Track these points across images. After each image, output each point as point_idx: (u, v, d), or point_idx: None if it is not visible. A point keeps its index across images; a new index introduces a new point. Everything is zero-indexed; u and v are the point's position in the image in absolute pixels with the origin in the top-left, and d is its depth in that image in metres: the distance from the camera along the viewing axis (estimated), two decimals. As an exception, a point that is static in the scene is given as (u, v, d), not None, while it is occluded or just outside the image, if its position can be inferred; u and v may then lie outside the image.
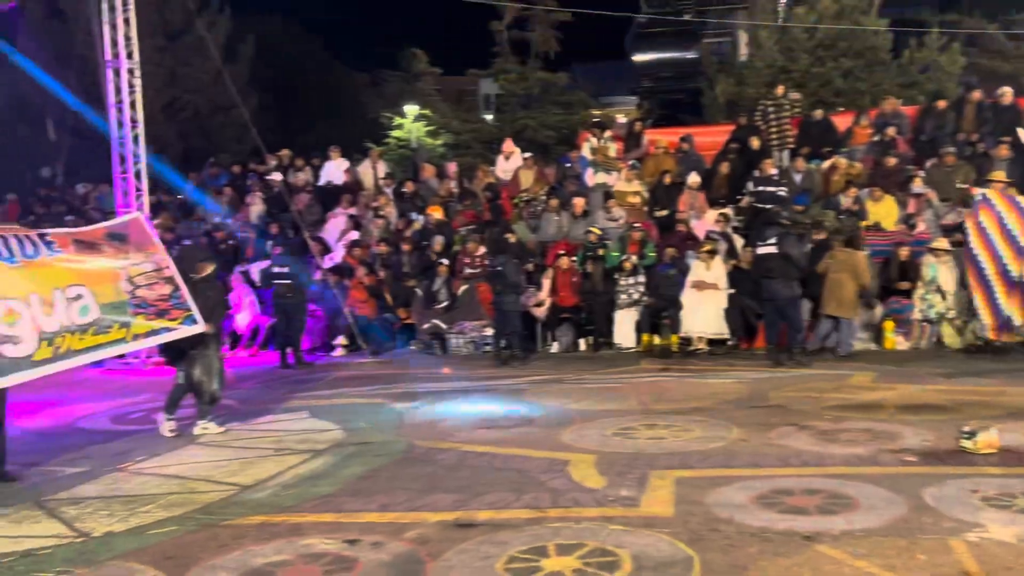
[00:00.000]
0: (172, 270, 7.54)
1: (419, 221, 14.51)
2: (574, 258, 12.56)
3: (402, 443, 7.32)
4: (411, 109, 27.49)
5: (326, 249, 14.66)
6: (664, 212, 13.45)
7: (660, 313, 11.85)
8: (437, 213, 14.23)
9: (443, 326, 12.70)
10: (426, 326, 12.83)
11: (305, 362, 12.14)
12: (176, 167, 19.35)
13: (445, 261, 13.08)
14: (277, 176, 16.23)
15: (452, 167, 15.98)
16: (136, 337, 7.10)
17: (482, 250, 13.03)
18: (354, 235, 14.71)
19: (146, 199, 13.47)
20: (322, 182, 16.88)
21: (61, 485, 6.43)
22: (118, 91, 13.22)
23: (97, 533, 5.36)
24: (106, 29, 12.88)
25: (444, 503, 5.61)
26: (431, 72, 24.82)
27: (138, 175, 13.30)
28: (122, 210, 12.70)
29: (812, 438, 6.94)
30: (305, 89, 31.88)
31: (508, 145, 16.09)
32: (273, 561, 4.75)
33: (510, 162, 15.56)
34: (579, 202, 13.63)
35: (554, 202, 13.73)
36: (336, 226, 15.40)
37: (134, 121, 13.34)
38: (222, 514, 5.62)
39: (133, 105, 13.22)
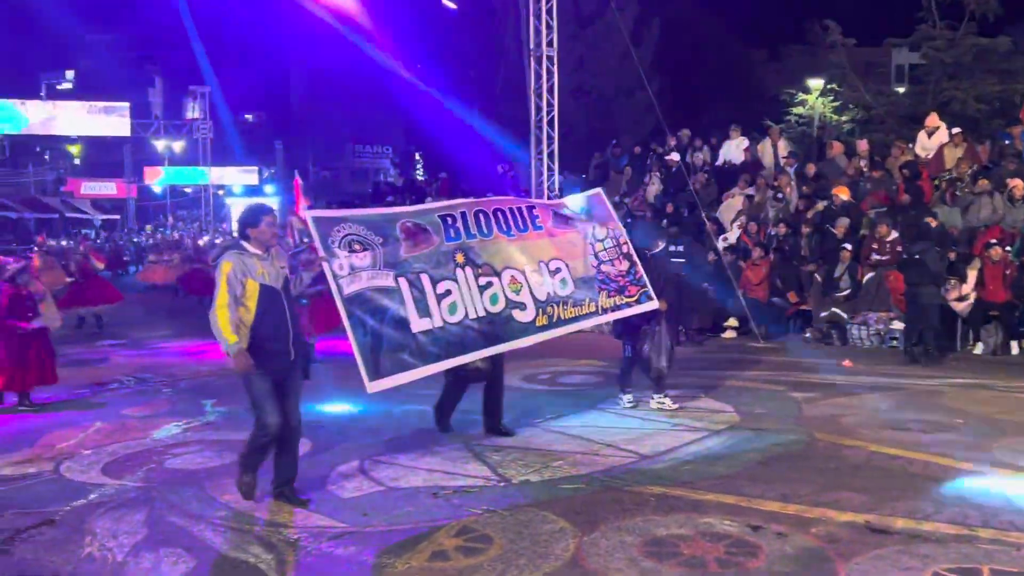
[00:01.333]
0: (629, 246, 7.65)
1: (821, 202, 13.76)
2: (1008, 248, 11.01)
3: (801, 434, 7.03)
4: (815, 84, 26.04)
5: (721, 229, 14.55)
6: None
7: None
8: (843, 194, 13.34)
9: (844, 315, 11.94)
10: (824, 314, 12.16)
11: (695, 341, 12.21)
12: (581, 148, 20.55)
13: (849, 246, 12.25)
14: (675, 156, 16.45)
15: (863, 144, 14.83)
16: (604, 310, 7.33)
17: (894, 235, 11.97)
18: (751, 214, 14.41)
19: (557, 178, 14.47)
20: (719, 162, 16.78)
21: (485, 432, 7.17)
22: (537, 78, 14.32)
23: (516, 480, 5.90)
24: (532, 21, 13.99)
25: (852, 503, 5.27)
26: (844, 43, 23.12)
27: (551, 155, 14.33)
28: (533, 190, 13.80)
29: None
30: (705, 68, 31.78)
31: (933, 119, 14.49)
32: (675, 534, 4.84)
33: (933, 138, 14.05)
34: (1019, 184, 11.87)
35: (984, 182, 12.14)
36: (732, 206, 15.21)
37: (550, 105, 14.36)
38: (624, 479, 5.86)
39: (551, 90, 14.24)
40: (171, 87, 57.66)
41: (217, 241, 25.63)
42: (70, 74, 57.37)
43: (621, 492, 5.59)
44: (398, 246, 6.23)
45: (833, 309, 12.03)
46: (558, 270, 7.10)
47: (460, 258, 6.55)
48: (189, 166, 45.81)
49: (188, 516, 5.27)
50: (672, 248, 12.45)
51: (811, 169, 14.68)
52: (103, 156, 55.00)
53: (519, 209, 7.18)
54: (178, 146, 47.65)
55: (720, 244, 13.70)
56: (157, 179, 50.92)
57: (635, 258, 7.63)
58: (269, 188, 53.44)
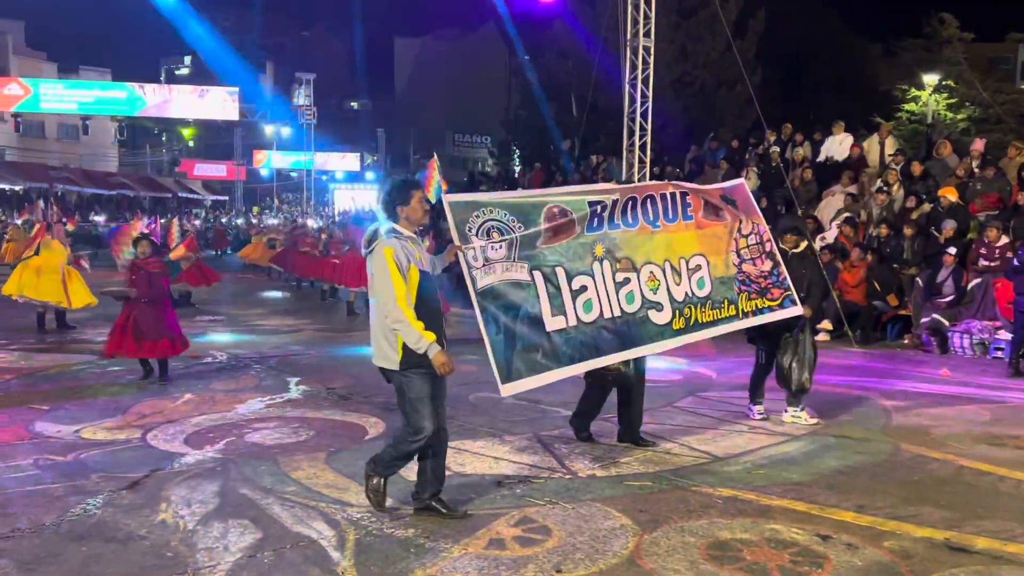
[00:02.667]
0: (773, 244, 7.03)
1: (927, 203, 13.13)
2: None
3: (887, 444, 6.72)
4: (930, 80, 24.87)
5: (819, 227, 14.06)
6: None
7: None
8: (951, 195, 12.69)
9: (945, 322, 11.38)
10: (925, 320, 11.61)
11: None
12: (679, 141, 20.20)
13: (953, 250, 11.65)
14: (775, 151, 15.97)
15: (979, 144, 14.01)
16: (745, 315, 6.71)
17: (1004, 240, 11.33)
18: (849, 214, 13.87)
19: (648, 170, 14.25)
20: (821, 158, 16.21)
21: (556, 424, 7.13)
22: (632, 68, 14.12)
23: (582, 474, 5.85)
24: (628, 10, 13.79)
25: (932, 519, 5.01)
26: (961, 38, 21.96)
27: (643, 147, 14.12)
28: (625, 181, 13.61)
29: None
30: (813, 62, 30.75)
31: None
32: (739, 538, 4.70)
33: (1057, 137, 13.19)
34: None
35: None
36: (832, 204, 14.68)
37: (644, 96, 14.14)
38: (692, 480, 5.73)
39: (645, 81, 14.02)
40: (282, 73, 59.61)
41: (310, 224, 26.20)
42: (188, 59, 59.99)
43: (688, 492, 5.47)
44: (537, 235, 5.67)
45: (934, 315, 11.48)
46: (697, 268, 6.50)
47: (599, 250, 5.97)
48: (295, 151, 47.28)
49: (259, 489, 5.42)
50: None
51: (916, 169, 13.99)
52: (216, 139, 57.38)
53: (673, 195, 6.54)
54: (286, 131, 49.27)
55: (817, 243, 13.23)
56: (263, 162, 52.77)
57: (779, 258, 6.99)
58: (370, 175, 54.69)
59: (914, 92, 25.25)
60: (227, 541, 4.58)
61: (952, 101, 23.72)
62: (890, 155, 15.04)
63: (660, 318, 6.18)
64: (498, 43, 60.74)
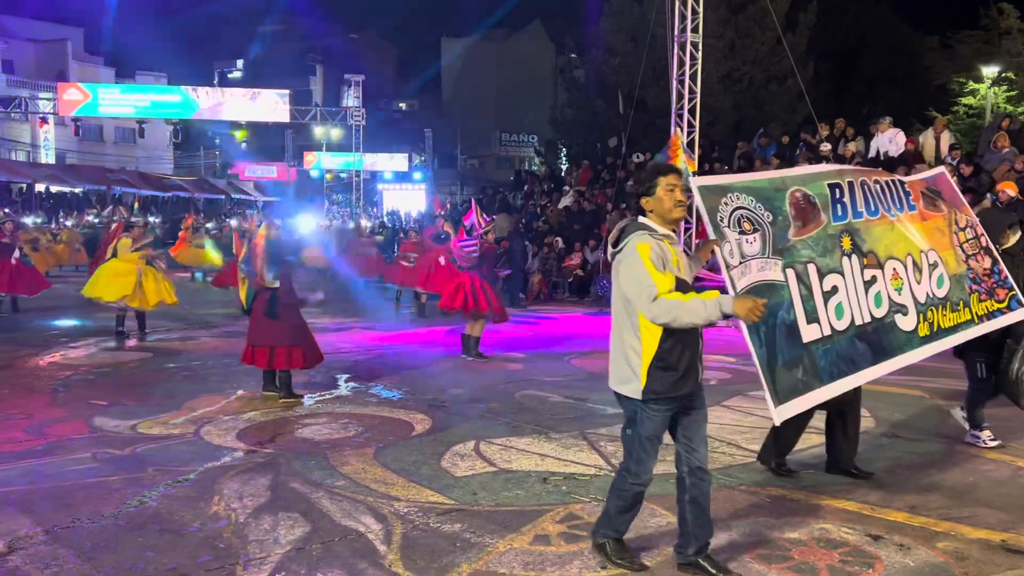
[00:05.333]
0: (987, 238, 6.26)
1: (986, 199, 12.78)
2: None
3: (940, 444, 6.59)
4: (989, 72, 24.22)
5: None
6: None
7: None
8: (1011, 189, 12.32)
9: (1005, 320, 11.06)
10: (983, 318, 11.30)
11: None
12: (727, 137, 19.99)
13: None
14: (826, 146, 15.72)
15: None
16: (980, 319, 5.89)
17: (1067, 236, 10.96)
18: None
19: (695, 168, 14.12)
20: (871, 153, 15.90)
21: (602, 422, 7.13)
22: (680, 64, 14.03)
23: (627, 471, 5.83)
24: (676, 5, 13.70)
25: (987, 520, 4.90)
26: (1021, 28, 21.36)
27: (691, 144, 14.01)
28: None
29: None
30: (866, 55, 30.15)
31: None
32: (788, 537, 4.65)
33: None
34: None
35: None
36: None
37: (692, 92, 14.04)
38: (741, 479, 5.68)
39: (693, 77, 13.92)
40: (331, 75, 60.47)
41: (359, 225, 26.36)
42: (240, 63, 61.12)
43: (736, 491, 5.43)
44: (787, 225, 4.82)
45: (992, 313, 11.17)
46: (935, 264, 5.70)
47: (847, 243, 5.11)
48: (344, 152, 47.85)
49: (309, 483, 5.51)
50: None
51: (966, 170, 13.61)
52: (268, 141, 58.37)
53: (894, 183, 5.76)
54: (335, 133, 49.93)
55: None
56: (313, 164, 53.54)
57: (996, 254, 6.25)
58: (418, 175, 55.13)
59: (972, 85, 24.62)
60: (277, 533, 4.67)
61: (1012, 94, 23.09)
62: (947, 150, 14.68)
63: (906, 324, 5.35)
64: (545, 42, 60.80)
